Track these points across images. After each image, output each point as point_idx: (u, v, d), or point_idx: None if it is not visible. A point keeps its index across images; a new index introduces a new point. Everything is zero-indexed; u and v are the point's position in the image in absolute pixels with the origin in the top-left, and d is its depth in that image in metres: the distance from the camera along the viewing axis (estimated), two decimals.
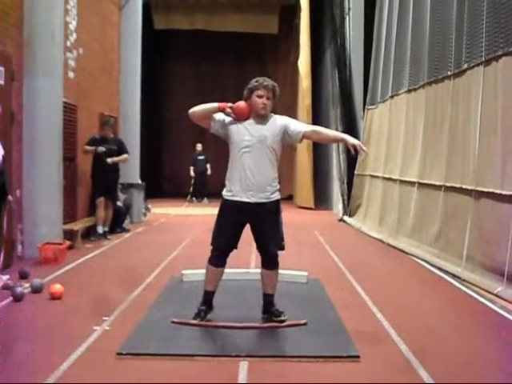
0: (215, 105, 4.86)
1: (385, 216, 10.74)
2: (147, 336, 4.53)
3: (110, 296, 5.80)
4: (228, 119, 4.88)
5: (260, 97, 4.79)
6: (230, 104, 4.84)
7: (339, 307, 5.44)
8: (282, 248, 4.96)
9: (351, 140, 4.78)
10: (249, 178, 4.77)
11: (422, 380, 3.72)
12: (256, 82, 4.87)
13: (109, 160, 9.93)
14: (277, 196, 4.91)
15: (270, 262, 4.97)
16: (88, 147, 9.93)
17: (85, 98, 10.46)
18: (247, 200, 4.78)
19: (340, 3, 14.52)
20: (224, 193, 4.92)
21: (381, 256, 8.86)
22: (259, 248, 5.01)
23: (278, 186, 4.97)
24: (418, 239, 8.85)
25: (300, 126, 4.96)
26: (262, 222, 4.87)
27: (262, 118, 4.85)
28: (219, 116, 4.89)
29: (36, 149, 7.93)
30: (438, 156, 8.35)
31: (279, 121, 4.89)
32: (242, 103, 4.85)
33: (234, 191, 4.83)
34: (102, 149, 9.82)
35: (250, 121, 4.84)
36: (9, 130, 7.43)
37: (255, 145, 4.77)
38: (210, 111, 4.88)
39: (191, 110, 4.89)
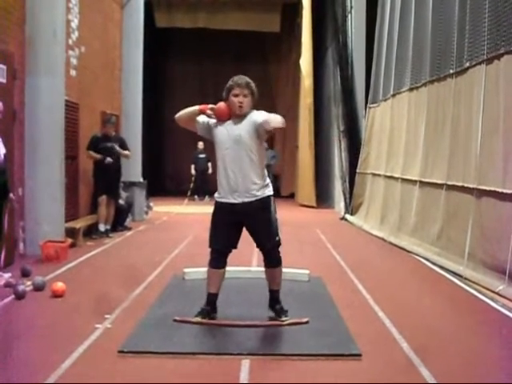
0: (196, 107, 4.88)
1: (386, 214, 10.74)
2: (149, 334, 4.54)
3: (111, 294, 5.81)
4: (212, 121, 4.88)
5: (236, 96, 4.77)
6: (210, 105, 4.85)
7: (341, 305, 5.45)
8: (277, 244, 4.94)
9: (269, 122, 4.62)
10: (232, 179, 4.78)
11: (424, 378, 3.72)
12: (231, 81, 4.85)
13: (116, 147, 10.05)
14: (265, 193, 4.87)
15: (270, 260, 4.97)
16: (94, 154, 9.94)
17: (87, 96, 10.46)
18: (234, 201, 4.80)
19: (342, 1, 14.52)
20: (215, 195, 4.97)
21: (382, 254, 8.86)
22: (257, 246, 5.04)
23: (267, 182, 4.93)
24: (419, 238, 8.84)
25: (262, 117, 4.77)
26: (253, 221, 4.88)
27: (240, 118, 4.81)
28: (202, 118, 4.91)
29: (38, 147, 7.94)
30: (440, 154, 8.35)
31: (254, 117, 4.78)
32: (221, 104, 4.83)
33: (221, 193, 4.88)
34: (109, 160, 9.89)
35: (230, 121, 4.83)
36: (11, 129, 7.44)
37: (232, 146, 4.76)
38: (192, 114, 4.91)
39: (176, 116, 4.96)
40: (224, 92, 4.85)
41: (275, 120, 4.66)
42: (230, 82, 4.84)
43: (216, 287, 4.97)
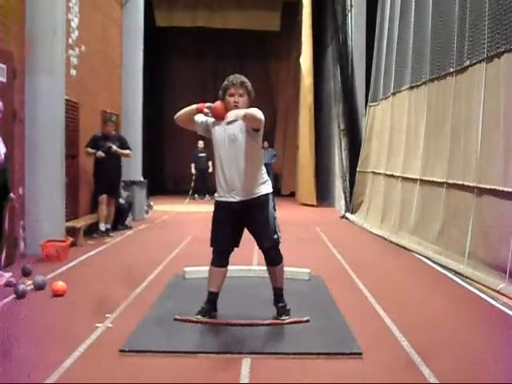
0: (194, 106, 4.86)
1: (387, 213, 10.74)
2: (150, 333, 4.54)
3: (112, 293, 5.81)
4: (210, 120, 4.87)
5: (231, 95, 4.76)
6: (207, 104, 4.82)
7: (341, 304, 5.45)
8: (276, 243, 4.90)
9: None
10: (229, 178, 4.76)
11: (424, 377, 3.73)
12: (227, 80, 4.83)
13: (113, 147, 9.94)
14: (263, 191, 4.85)
15: (270, 258, 4.95)
16: (90, 149, 9.94)
17: (87, 95, 10.46)
18: (232, 200, 4.78)
19: (342, 0, 14.52)
20: (215, 194, 4.95)
21: (383, 253, 8.86)
22: (257, 245, 5.01)
23: (265, 179, 4.90)
24: (420, 236, 8.85)
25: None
26: (251, 219, 4.86)
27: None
28: (201, 118, 4.91)
29: (38, 146, 7.94)
30: (440, 153, 8.35)
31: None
32: (218, 103, 4.79)
33: (220, 192, 4.86)
34: (100, 154, 9.82)
35: (226, 120, 4.77)
36: (11, 128, 7.44)
37: (229, 145, 4.75)
38: (190, 113, 4.90)
39: (176, 116, 4.95)
40: (220, 91, 4.85)
41: (250, 112, 4.63)
42: (225, 82, 4.83)
43: (217, 286, 4.95)
